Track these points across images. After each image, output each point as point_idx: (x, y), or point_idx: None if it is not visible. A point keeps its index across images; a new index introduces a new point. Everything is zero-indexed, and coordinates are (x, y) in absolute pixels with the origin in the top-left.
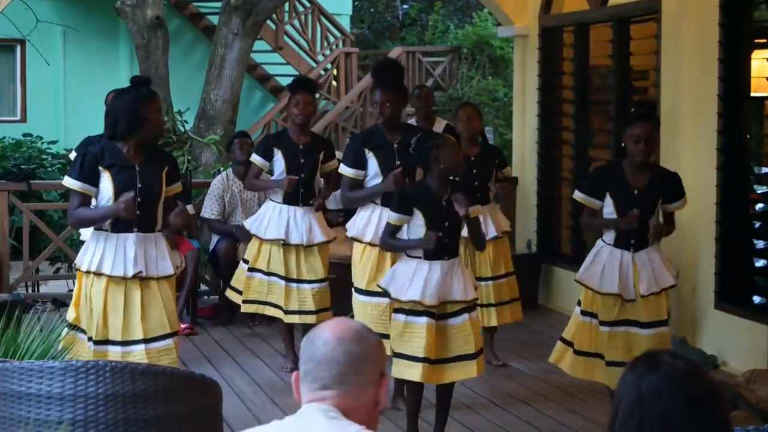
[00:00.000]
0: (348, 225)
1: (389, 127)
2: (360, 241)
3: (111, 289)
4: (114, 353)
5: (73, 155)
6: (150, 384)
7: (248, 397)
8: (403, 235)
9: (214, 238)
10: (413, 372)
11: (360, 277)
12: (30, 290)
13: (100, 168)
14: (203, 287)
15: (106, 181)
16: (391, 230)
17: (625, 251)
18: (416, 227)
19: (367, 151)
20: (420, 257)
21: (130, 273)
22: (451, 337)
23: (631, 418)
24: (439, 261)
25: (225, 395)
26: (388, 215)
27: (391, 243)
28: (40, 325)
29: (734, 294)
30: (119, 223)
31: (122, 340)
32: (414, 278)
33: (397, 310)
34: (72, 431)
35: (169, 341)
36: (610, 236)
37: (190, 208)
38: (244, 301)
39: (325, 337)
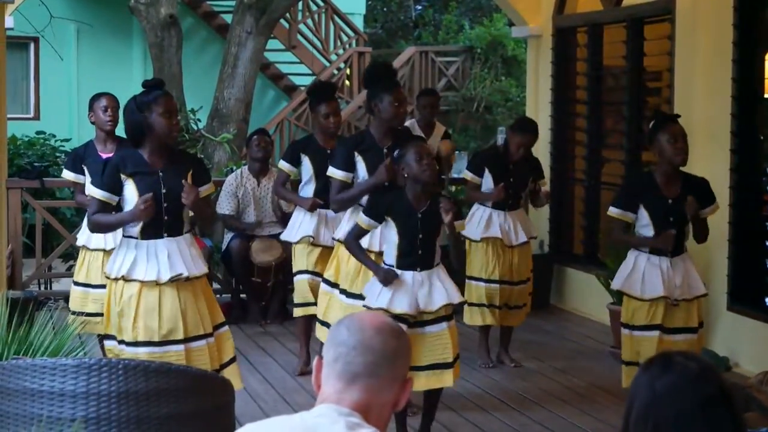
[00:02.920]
0: (337, 229)
1: (383, 131)
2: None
3: (144, 293)
4: (149, 354)
5: (65, 173)
6: (163, 382)
7: (260, 396)
8: (375, 237)
9: (227, 237)
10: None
11: (344, 278)
12: (42, 288)
13: (122, 176)
14: (216, 286)
15: (131, 189)
16: (358, 232)
17: (662, 257)
18: (390, 234)
19: (356, 154)
20: (392, 265)
21: (165, 278)
22: (427, 344)
23: (645, 419)
24: (410, 271)
25: (237, 394)
26: (359, 216)
27: (353, 249)
28: (53, 323)
29: (747, 296)
30: (148, 230)
31: (160, 341)
32: (384, 287)
33: None
34: (85, 429)
35: (202, 342)
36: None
37: None
38: (296, 305)
39: (362, 325)
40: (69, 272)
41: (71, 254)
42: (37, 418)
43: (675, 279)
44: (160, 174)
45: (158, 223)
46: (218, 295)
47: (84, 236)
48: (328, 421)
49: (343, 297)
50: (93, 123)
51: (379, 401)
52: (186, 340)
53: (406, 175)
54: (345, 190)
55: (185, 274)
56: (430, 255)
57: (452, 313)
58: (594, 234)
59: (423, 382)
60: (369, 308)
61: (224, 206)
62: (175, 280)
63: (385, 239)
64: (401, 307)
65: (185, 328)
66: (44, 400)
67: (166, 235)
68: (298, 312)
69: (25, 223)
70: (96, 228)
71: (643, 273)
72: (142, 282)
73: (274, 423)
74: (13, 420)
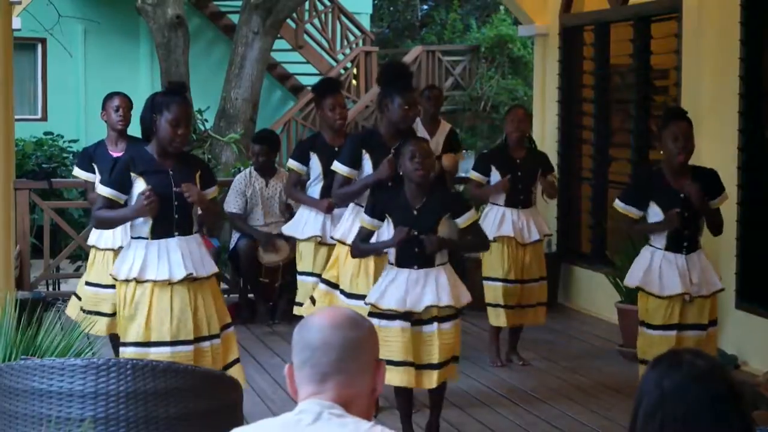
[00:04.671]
0: (336, 227)
1: (391, 131)
2: (344, 243)
3: (156, 293)
4: (160, 354)
5: (76, 171)
6: (171, 382)
7: (268, 396)
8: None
9: (235, 237)
10: (392, 376)
11: (344, 279)
12: (50, 288)
13: (133, 175)
14: (223, 286)
15: (142, 187)
16: (363, 234)
17: (678, 254)
18: (388, 231)
19: (364, 152)
20: (392, 263)
21: (177, 277)
22: (423, 344)
23: (654, 417)
24: (406, 269)
25: (245, 394)
26: (361, 217)
27: (361, 248)
28: (61, 323)
29: (755, 294)
30: (159, 229)
31: (171, 341)
32: (381, 283)
33: (371, 314)
34: (94, 428)
35: (217, 341)
36: (660, 241)
37: None
38: (296, 304)
39: (320, 324)
40: (77, 273)
41: (79, 255)
42: (46, 418)
43: (692, 276)
44: (171, 173)
45: (169, 221)
46: (226, 296)
47: (94, 236)
48: (310, 417)
49: (343, 297)
50: (105, 121)
51: (354, 394)
52: (195, 341)
53: (401, 173)
54: (347, 186)
55: (195, 273)
56: (429, 253)
57: (451, 315)
58: (601, 232)
59: (405, 379)
60: (371, 304)
61: (232, 204)
62: (186, 280)
63: (379, 239)
64: (388, 303)
65: (195, 329)
66: (53, 400)
67: (177, 233)
68: (301, 311)
69: (33, 223)
70: (100, 224)
71: (660, 270)
72: (154, 282)
73: (258, 428)
74: (22, 420)
